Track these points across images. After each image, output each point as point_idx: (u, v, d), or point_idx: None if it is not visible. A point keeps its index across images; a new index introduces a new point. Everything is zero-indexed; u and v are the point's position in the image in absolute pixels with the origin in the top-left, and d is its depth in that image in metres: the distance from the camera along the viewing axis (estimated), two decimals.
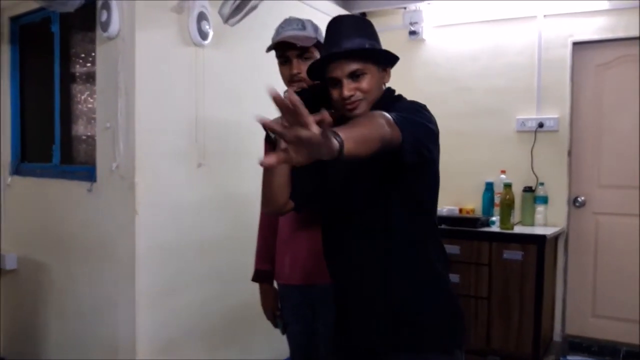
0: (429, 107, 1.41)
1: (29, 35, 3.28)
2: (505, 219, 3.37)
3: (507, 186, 3.43)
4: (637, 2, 3.32)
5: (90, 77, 2.84)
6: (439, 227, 3.36)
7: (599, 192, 3.59)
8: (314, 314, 1.86)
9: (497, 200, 3.59)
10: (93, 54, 2.74)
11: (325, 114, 0.91)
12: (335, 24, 1.45)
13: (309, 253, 1.80)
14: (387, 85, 1.52)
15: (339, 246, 1.51)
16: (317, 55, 1.72)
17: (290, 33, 1.72)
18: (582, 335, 3.62)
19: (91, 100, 2.85)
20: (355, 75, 1.40)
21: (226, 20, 2.59)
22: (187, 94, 2.69)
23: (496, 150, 3.77)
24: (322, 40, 1.74)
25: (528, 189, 3.58)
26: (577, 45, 3.57)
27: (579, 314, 3.65)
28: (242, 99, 2.96)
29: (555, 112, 3.61)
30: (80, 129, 2.97)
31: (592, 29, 3.52)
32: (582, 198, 3.63)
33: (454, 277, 3.28)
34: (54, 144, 3.05)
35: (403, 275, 1.43)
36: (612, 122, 3.51)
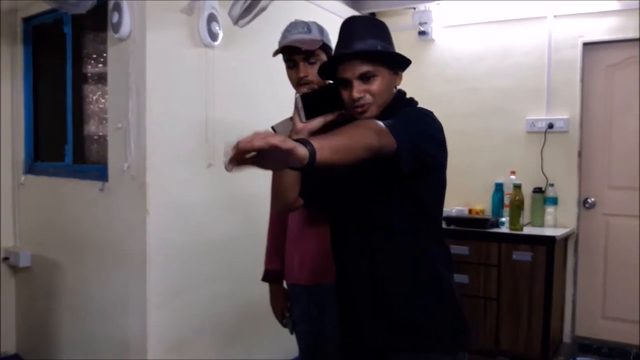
0: (438, 107, 1.41)
1: (42, 36, 3.32)
2: (514, 220, 3.36)
3: (517, 187, 3.42)
4: None
5: (101, 78, 2.87)
6: (449, 227, 3.42)
7: (609, 193, 3.57)
8: (322, 314, 1.87)
9: (506, 201, 3.58)
10: (104, 55, 2.77)
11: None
12: (349, 24, 1.45)
13: (318, 253, 1.81)
14: (399, 87, 1.51)
15: (344, 243, 1.52)
16: (324, 57, 1.72)
17: (295, 37, 1.71)
18: (591, 337, 3.60)
19: (103, 101, 2.88)
20: (365, 77, 1.39)
21: (236, 21, 2.60)
22: (197, 94, 2.70)
23: (506, 150, 3.76)
24: (328, 42, 1.76)
25: (538, 190, 3.57)
26: (587, 45, 3.56)
27: (588, 315, 3.63)
28: (252, 100, 2.98)
29: (565, 113, 3.60)
30: (92, 129, 3.01)
31: (602, 30, 3.49)
32: (592, 199, 3.61)
33: (463, 278, 3.28)
34: (67, 143, 3.08)
35: (403, 275, 1.43)
36: (623, 123, 3.49)
